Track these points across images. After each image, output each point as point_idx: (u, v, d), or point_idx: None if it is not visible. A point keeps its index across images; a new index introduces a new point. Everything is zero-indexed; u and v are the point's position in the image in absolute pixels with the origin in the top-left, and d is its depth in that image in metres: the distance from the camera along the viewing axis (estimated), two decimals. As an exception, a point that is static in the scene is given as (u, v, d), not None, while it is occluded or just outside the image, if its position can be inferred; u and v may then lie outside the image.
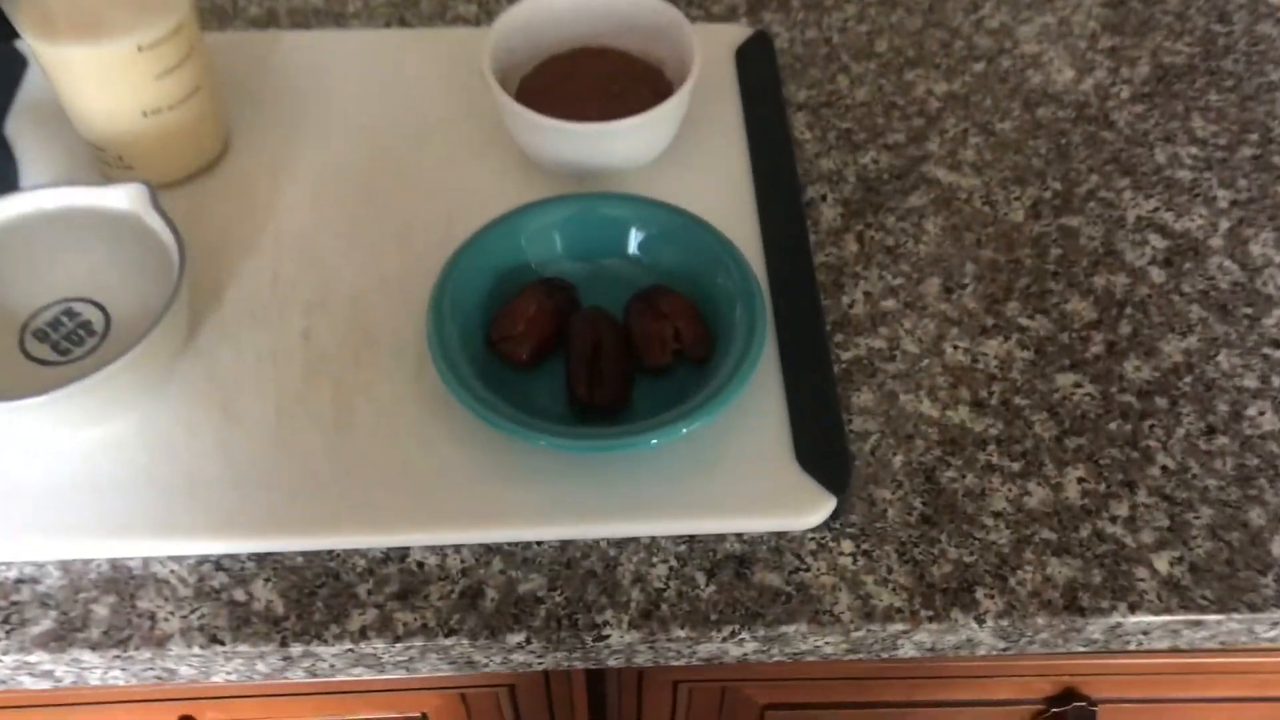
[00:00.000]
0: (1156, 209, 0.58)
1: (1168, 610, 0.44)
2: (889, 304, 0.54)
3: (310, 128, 0.60)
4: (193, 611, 0.43)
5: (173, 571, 0.45)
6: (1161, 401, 0.50)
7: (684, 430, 0.44)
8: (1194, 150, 0.61)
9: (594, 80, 0.57)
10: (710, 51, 0.64)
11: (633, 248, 0.52)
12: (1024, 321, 0.54)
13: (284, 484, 0.46)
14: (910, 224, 0.58)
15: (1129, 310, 0.54)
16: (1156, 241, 0.57)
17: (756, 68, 0.63)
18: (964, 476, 0.48)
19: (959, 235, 0.57)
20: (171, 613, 0.43)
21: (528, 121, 0.52)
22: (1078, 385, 0.51)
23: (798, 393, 0.49)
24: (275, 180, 0.58)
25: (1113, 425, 0.50)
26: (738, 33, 0.65)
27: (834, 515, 0.46)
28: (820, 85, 0.64)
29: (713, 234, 0.51)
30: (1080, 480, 0.48)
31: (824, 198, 0.59)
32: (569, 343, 0.48)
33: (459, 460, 0.47)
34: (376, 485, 0.46)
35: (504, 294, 0.50)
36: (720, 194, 0.57)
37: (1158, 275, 0.55)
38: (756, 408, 0.48)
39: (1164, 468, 0.48)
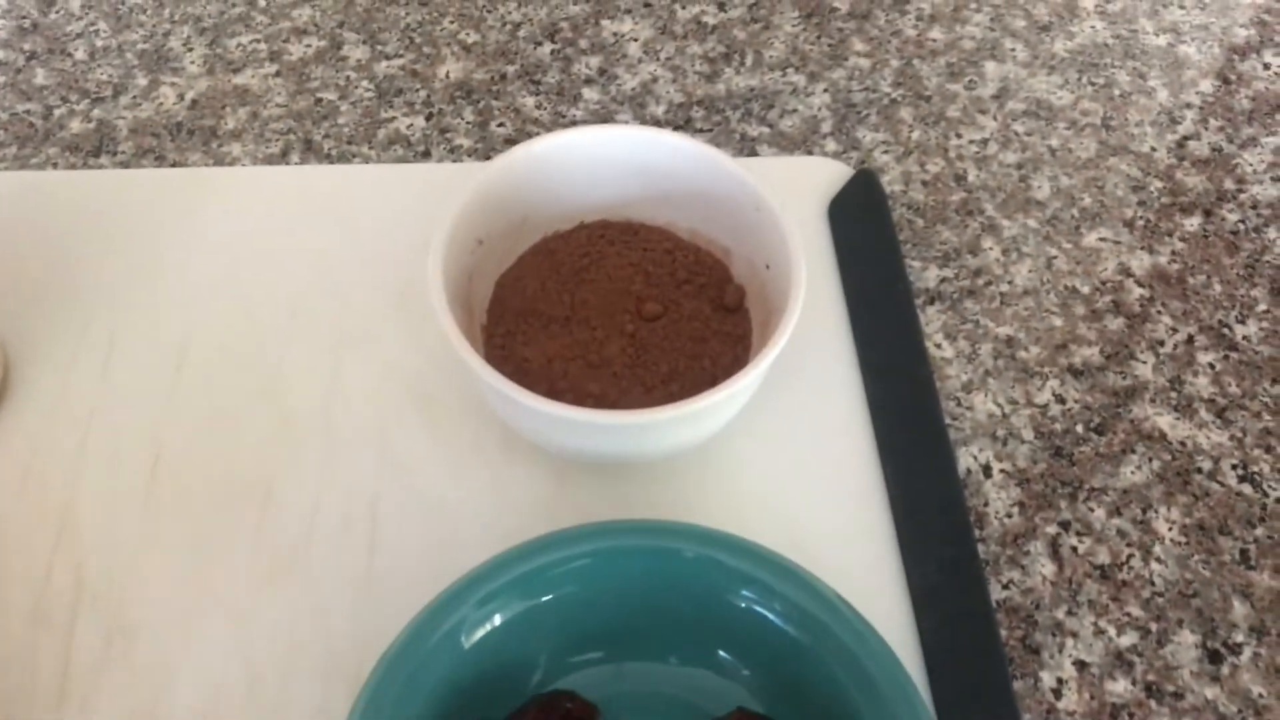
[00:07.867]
0: None
1: None
2: (1119, 687, 0.32)
3: (132, 346, 0.37)
4: None
5: None
6: None
7: None
8: None
9: (616, 283, 0.34)
10: (794, 207, 0.41)
11: (717, 645, 0.29)
12: (1351, 725, 0.32)
13: None
14: (1130, 519, 0.35)
15: None
16: None
17: (861, 229, 0.40)
18: None
19: (1211, 543, 0.35)
20: None
21: (504, 396, 0.29)
22: None
23: None
24: (68, 436, 0.34)
25: None
26: (828, 173, 0.42)
27: None
28: (958, 255, 0.42)
29: (879, 658, 0.27)
30: None
31: (987, 470, 0.36)
32: None
33: None
34: None
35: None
36: (820, 471, 0.34)
37: None
38: None
39: None
